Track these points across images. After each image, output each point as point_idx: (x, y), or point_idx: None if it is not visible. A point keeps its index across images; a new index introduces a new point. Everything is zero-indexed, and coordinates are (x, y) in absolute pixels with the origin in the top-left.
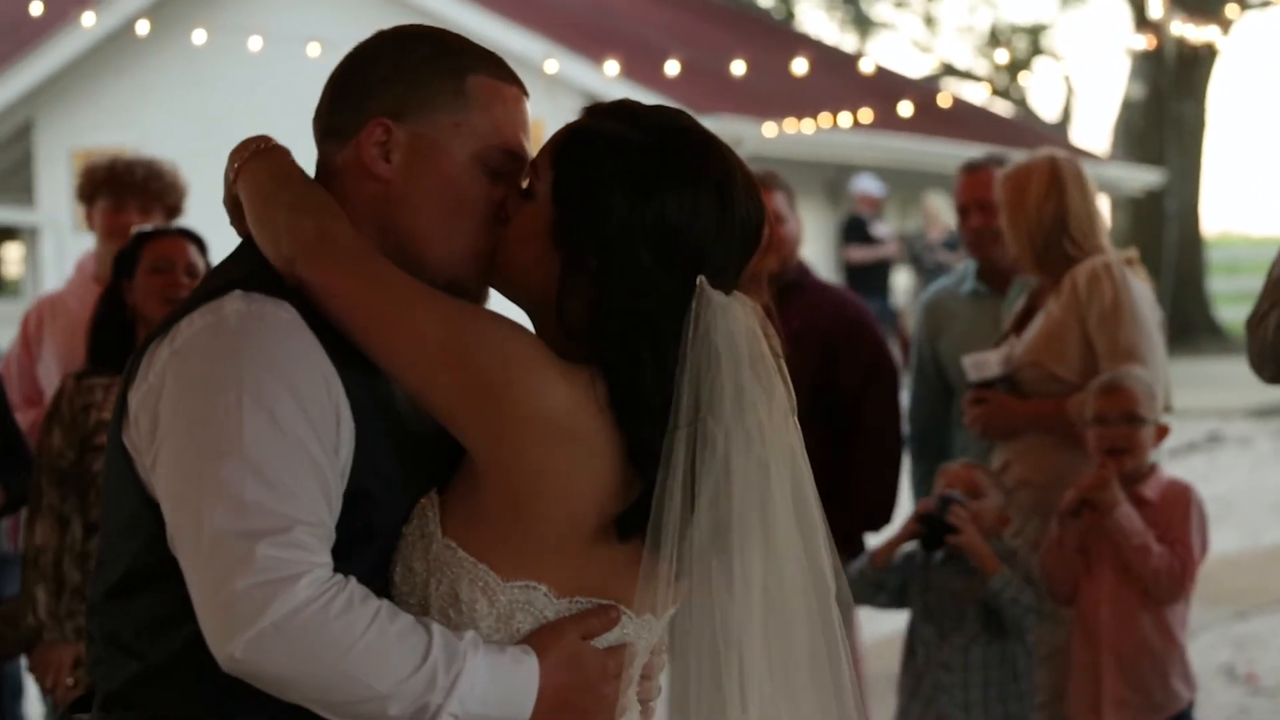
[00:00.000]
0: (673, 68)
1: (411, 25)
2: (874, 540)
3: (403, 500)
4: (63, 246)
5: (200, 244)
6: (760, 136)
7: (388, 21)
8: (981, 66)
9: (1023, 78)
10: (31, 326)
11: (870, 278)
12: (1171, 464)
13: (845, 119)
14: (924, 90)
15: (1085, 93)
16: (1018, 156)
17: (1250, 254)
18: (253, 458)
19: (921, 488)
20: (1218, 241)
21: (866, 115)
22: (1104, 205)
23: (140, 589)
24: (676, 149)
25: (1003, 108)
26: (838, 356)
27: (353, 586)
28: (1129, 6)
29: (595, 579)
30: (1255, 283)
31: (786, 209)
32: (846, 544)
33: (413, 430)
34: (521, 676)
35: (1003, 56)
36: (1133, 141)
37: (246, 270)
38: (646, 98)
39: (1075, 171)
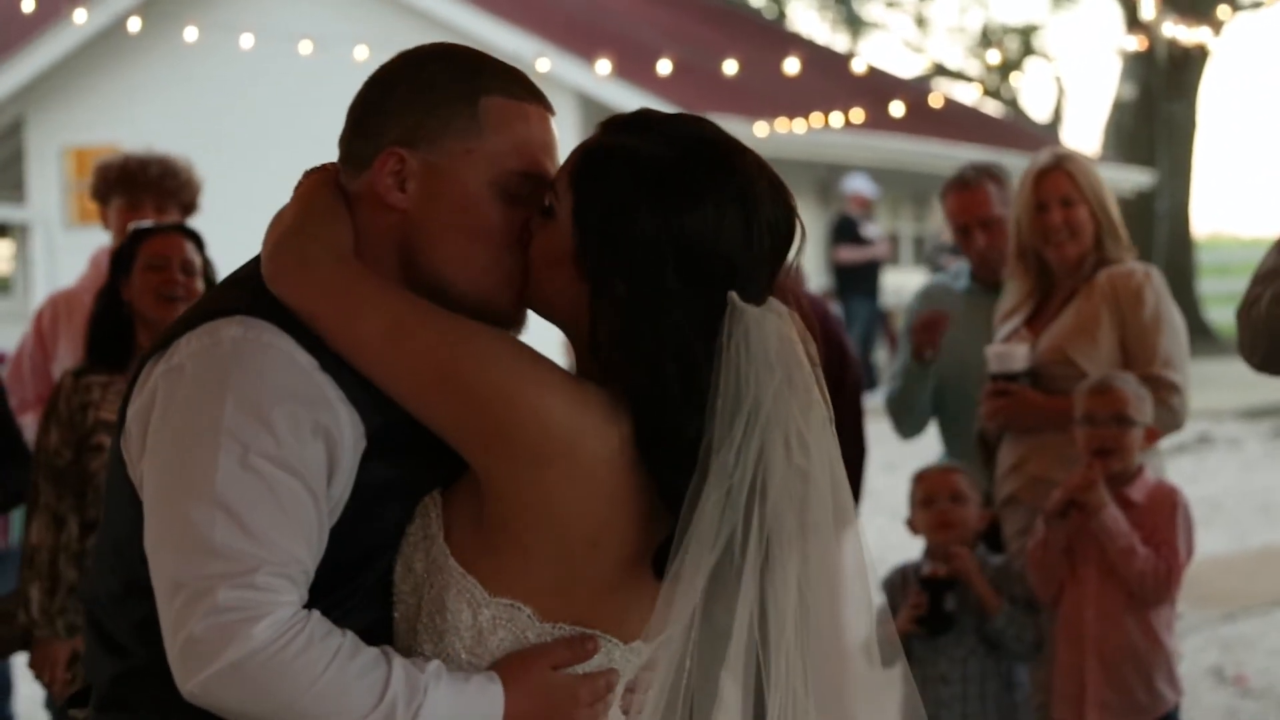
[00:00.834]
0: (665, 67)
1: (432, 46)
2: None
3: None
4: (53, 243)
5: (197, 240)
6: (752, 136)
7: (378, 20)
8: (973, 67)
9: (1014, 78)
10: (45, 323)
11: (860, 278)
12: (1155, 465)
13: (837, 119)
14: (915, 90)
15: (1076, 93)
16: (1009, 162)
17: (1240, 255)
18: (223, 497)
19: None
20: (1208, 243)
21: (858, 115)
22: None
23: (136, 594)
24: (696, 161)
25: (994, 108)
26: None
27: (313, 625)
28: (1120, 7)
29: (584, 607)
30: (1245, 284)
31: None
32: None
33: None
34: (485, 705)
35: (994, 57)
36: (1123, 142)
37: (253, 291)
38: (638, 97)
39: None
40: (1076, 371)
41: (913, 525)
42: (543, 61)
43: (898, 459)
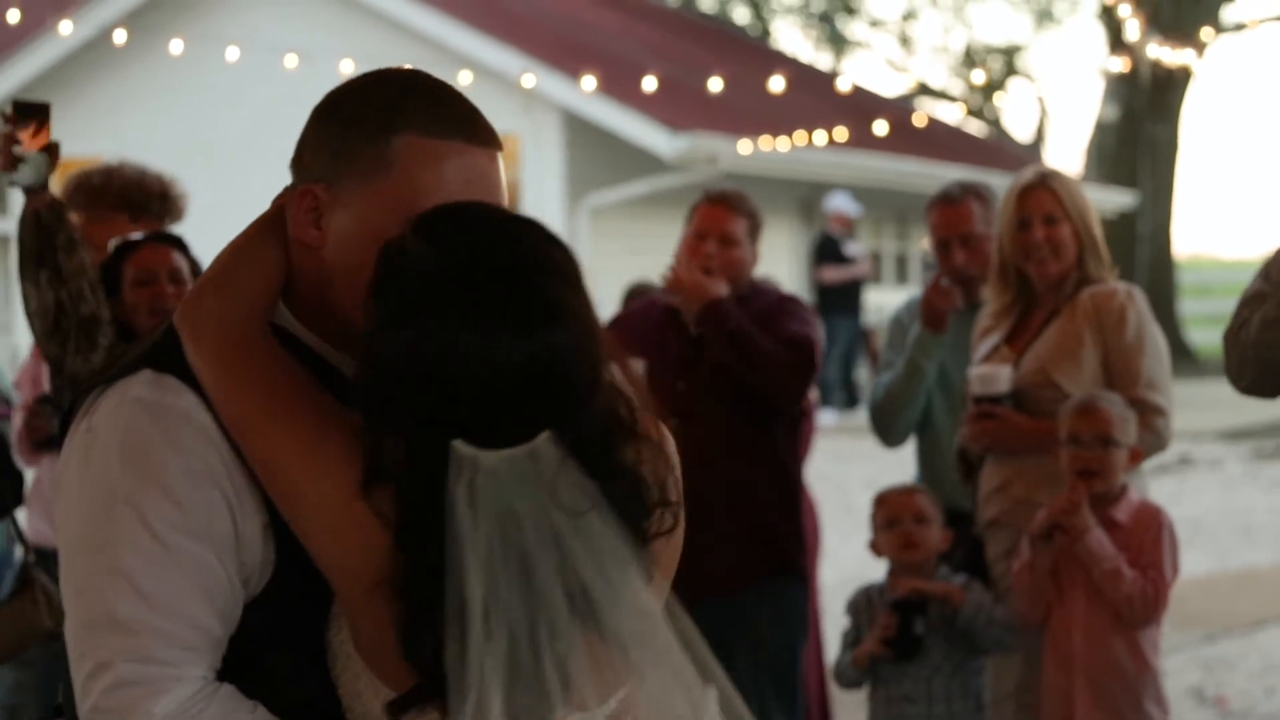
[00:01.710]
0: (650, 83)
1: (371, 73)
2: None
3: None
4: None
5: (182, 246)
6: (735, 153)
7: (365, 34)
8: (956, 86)
9: (997, 98)
10: None
11: (842, 297)
12: (1139, 485)
13: (820, 137)
14: (899, 110)
15: (1059, 114)
16: (992, 181)
17: (1221, 276)
18: (126, 567)
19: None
20: (1189, 264)
21: (841, 134)
22: None
23: None
24: (446, 291)
25: (977, 128)
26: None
27: (217, 703)
28: (1104, 29)
29: None
30: (1225, 305)
31: (744, 235)
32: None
33: None
34: None
35: (978, 77)
36: (1105, 163)
37: (165, 341)
38: (623, 114)
39: None
40: (1059, 393)
41: (876, 547)
42: (528, 78)
43: (880, 477)
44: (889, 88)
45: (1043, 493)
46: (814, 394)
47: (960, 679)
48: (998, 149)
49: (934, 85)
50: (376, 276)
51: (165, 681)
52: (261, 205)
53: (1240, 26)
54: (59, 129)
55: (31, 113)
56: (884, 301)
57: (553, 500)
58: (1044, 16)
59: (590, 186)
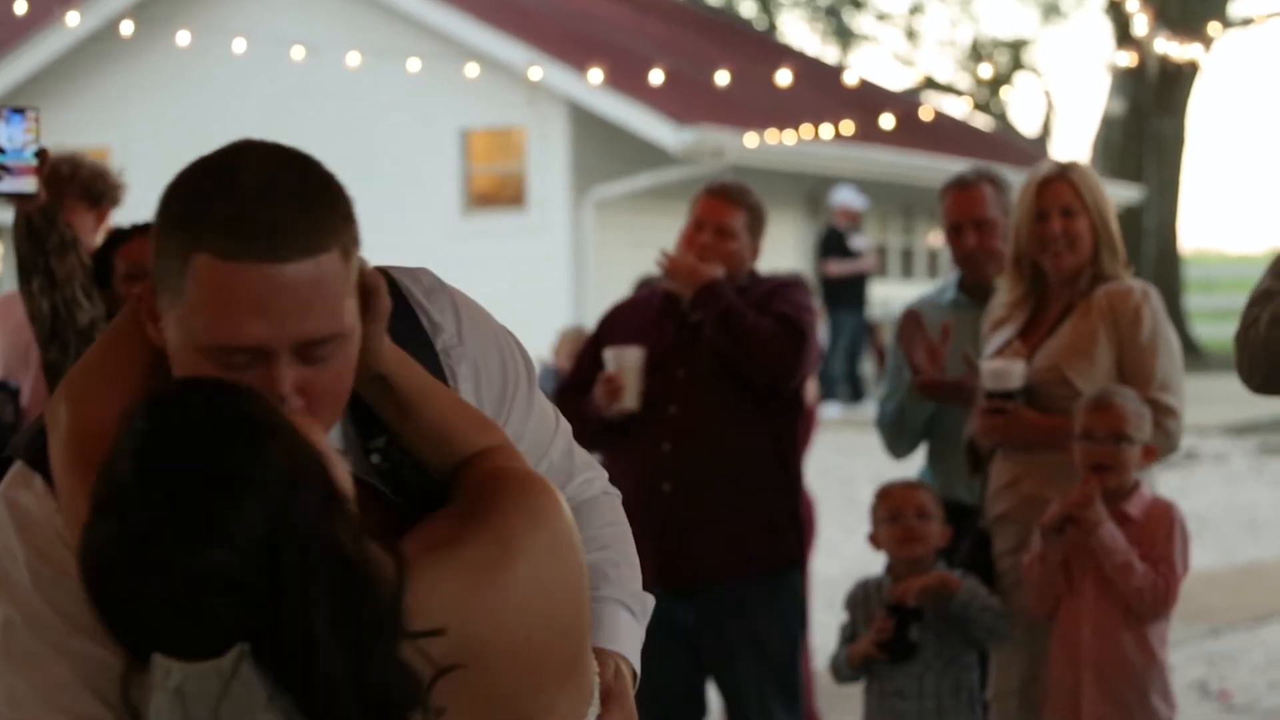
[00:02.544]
0: (657, 77)
1: (196, 167)
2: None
3: None
4: None
5: None
6: (741, 147)
7: (371, 26)
8: (963, 80)
9: (1004, 92)
10: None
11: (847, 291)
12: (1146, 480)
13: (826, 131)
14: (905, 103)
15: (1065, 108)
16: (1005, 172)
17: (1226, 271)
18: (4, 667)
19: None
20: (1194, 259)
21: (848, 127)
22: None
23: None
24: (131, 482)
25: (983, 122)
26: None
27: None
28: (1110, 23)
29: None
30: (1230, 300)
31: (743, 229)
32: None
33: None
34: None
35: (986, 71)
36: (1112, 157)
37: (40, 427)
38: (630, 106)
39: None
40: (1072, 390)
41: (875, 540)
42: (535, 70)
43: (885, 471)
44: (895, 81)
45: (1053, 489)
46: (815, 387)
47: (953, 675)
48: (1004, 143)
49: (940, 79)
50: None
51: None
52: None
53: (1247, 21)
54: (65, 121)
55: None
56: (890, 295)
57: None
58: (1050, 10)
59: (596, 179)
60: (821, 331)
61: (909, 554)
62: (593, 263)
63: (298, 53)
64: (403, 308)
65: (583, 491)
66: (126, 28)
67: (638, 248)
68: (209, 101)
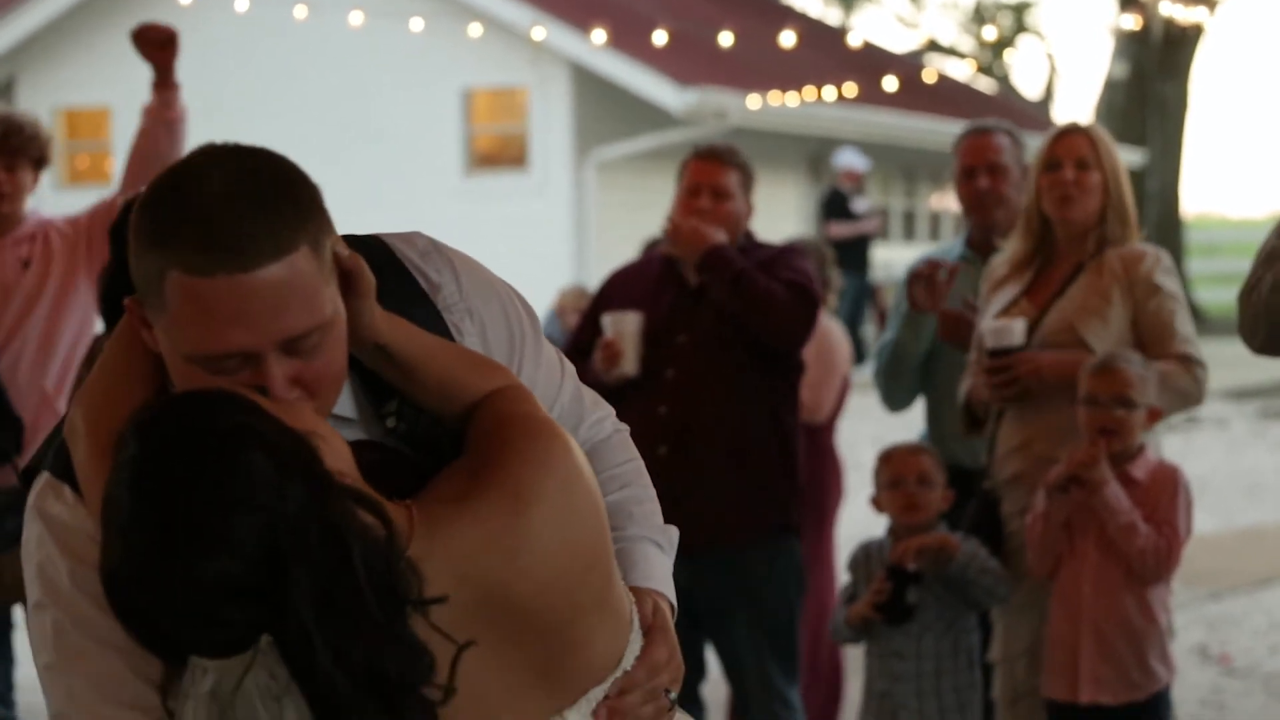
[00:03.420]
0: (660, 38)
1: (163, 181)
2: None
3: None
4: (44, 204)
5: None
6: (744, 108)
7: None
8: (966, 43)
9: (1007, 55)
10: None
11: (849, 253)
12: (1150, 444)
13: (829, 93)
14: (908, 66)
15: (1068, 71)
16: (1017, 128)
17: (1228, 236)
18: (55, 665)
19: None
20: (1196, 223)
21: (851, 89)
22: None
23: None
24: (135, 502)
25: (986, 85)
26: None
27: None
28: None
29: None
30: (1232, 264)
31: (737, 188)
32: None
33: None
34: None
35: (989, 33)
36: (1114, 121)
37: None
38: (633, 68)
39: None
40: (1085, 350)
41: (877, 504)
42: (538, 30)
43: (887, 434)
44: (899, 44)
45: (1065, 450)
46: (849, 350)
47: (952, 637)
48: (1007, 106)
49: (943, 42)
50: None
51: None
52: None
53: None
54: (67, 79)
55: None
56: (892, 258)
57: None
58: None
59: (598, 140)
60: (833, 298)
61: (910, 520)
62: (594, 224)
63: (300, 12)
64: (399, 272)
65: (596, 432)
66: None
67: (639, 209)
68: (211, 61)
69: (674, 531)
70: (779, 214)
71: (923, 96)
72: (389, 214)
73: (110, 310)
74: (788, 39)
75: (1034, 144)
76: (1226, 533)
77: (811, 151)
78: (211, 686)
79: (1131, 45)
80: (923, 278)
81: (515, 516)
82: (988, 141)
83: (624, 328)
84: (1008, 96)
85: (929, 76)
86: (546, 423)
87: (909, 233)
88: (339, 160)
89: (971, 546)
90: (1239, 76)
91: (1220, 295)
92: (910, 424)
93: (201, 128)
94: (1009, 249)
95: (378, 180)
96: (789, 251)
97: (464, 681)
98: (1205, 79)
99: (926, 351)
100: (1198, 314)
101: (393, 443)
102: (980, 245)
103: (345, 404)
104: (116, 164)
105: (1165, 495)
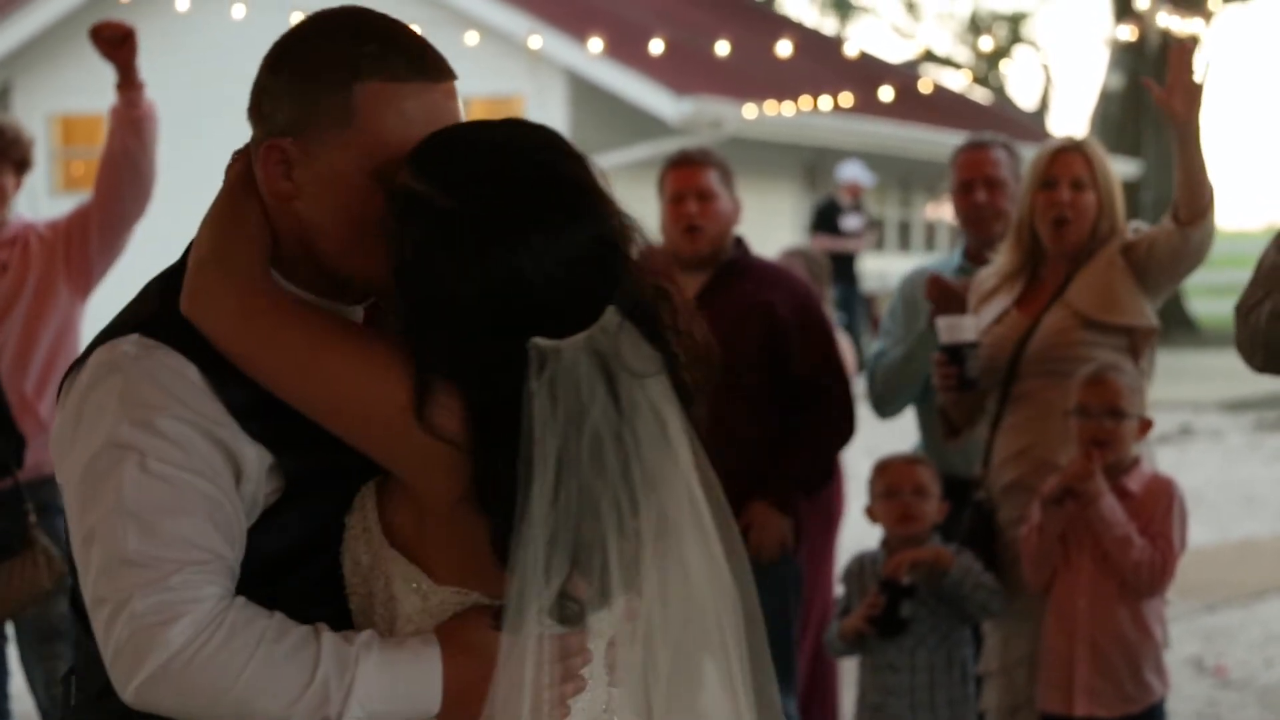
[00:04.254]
0: (656, 47)
1: (319, 17)
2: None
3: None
4: (38, 210)
5: None
6: (740, 118)
7: None
8: (962, 53)
9: (1002, 65)
10: None
11: (835, 266)
12: (1146, 456)
13: (825, 103)
14: (904, 76)
15: (1063, 82)
16: (1013, 142)
17: (1223, 247)
18: (130, 506)
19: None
20: None
21: (847, 99)
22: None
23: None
24: (494, 208)
25: (982, 95)
26: (788, 336)
27: (234, 614)
28: None
29: None
30: (1227, 276)
31: (719, 186)
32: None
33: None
34: (423, 669)
35: (985, 44)
36: (1110, 132)
37: (154, 309)
38: (629, 77)
39: None
40: (1089, 351)
41: (872, 514)
42: (534, 39)
43: (881, 445)
44: (895, 54)
45: (1064, 455)
46: (854, 360)
47: (945, 650)
48: (1002, 117)
49: (939, 52)
50: (398, 219)
51: (179, 607)
52: None
53: None
54: (63, 84)
55: None
56: (886, 269)
57: (622, 366)
58: None
59: (594, 149)
60: (833, 311)
61: (905, 531)
62: None
63: (297, 18)
64: None
65: None
66: None
67: (636, 218)
68: (208, 67)
69: None
70: (774, 224)
71: (918, 107)
72: None
73: None
74: (784, 49)
75: (1029, 155)
76: (1221, 545)
77: (807, 161)
78: (551, 374)
79: (1127, 56)
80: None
81: None
82: (985, 156)
83: None
84: (1003, 107)
85: (925, 87)
86: None
87: (904, 243)
88: None
89: (966, 560)
90: (1234, 88)
91: (1215, 307)
92: (904, 435)
93: (202, 130)
94: (998, 261)
95: None
96: (816, 318)
97: None
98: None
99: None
100: (1193, 326)
101: None
102: (978, 258)
103: None
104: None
105: (1160, 508)
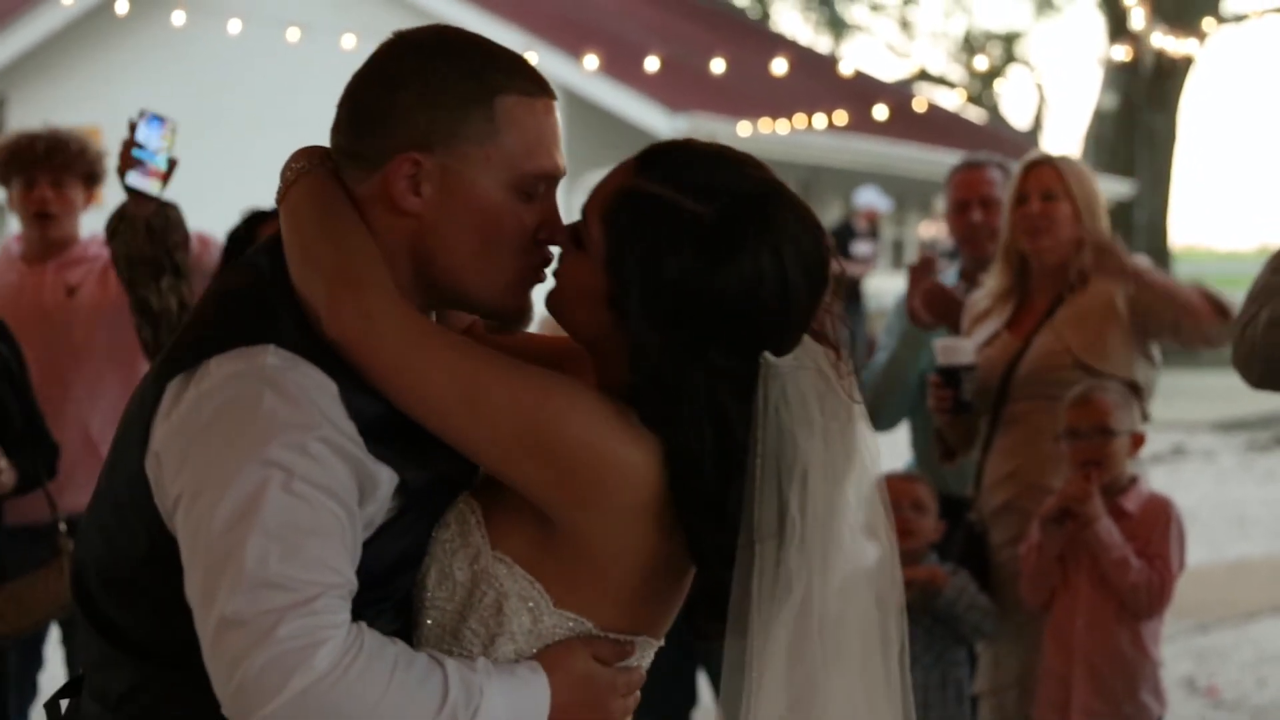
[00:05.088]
0: (651, 64)
1: (430, 36)
2: None
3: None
4: None
5: None
6: (734, 135)
7: (367, 8)
8: (956, 72)
9: (996, 85)
10: None
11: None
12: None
13: (820, 120)
14: (899, 94)
15: (1057, 102)
16: (1008, 162)
17: (1215, 268)
18: (274, 526)
19: None
20: (1183, 254)
21: (841, 118)
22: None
23: (148, 595)
24: (735, 218)
25: (975, 114)
26: None
27: (368, 642)
28: (1104, 17)
29: (638, 618)
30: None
31: None
32: None
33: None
34: (533, 695)
35: (979, 63)
36: (1103, 152)
37: (285, 324)
38: (625, 94)
39: None
40: (1080, 374)
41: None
42: (530, 57)
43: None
44: (889, 72)
45: (1055, 478)
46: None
47: (940, 670)
48: (996, 136)
49: (934, 71)
50: (631, 222)
51: (323, 632)
52: (260, 176)
53: (1241, 17)
54: (57, 97)
55: (161, 123)
56: (880, 288)
57: (834, 391)
58: (1044, 4)
59: (589, 166)
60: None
61: (901, 546)
62: None
63: (293, 34)
64: None
65: None
66: (121, 6)
67: None
68: (203, 82)
69: None
70: None
71: (913, 125)
72: None
73: None
74: (779, 67)
75: None
76: (1214, 565)
77: (802, 179)
78: (779, 386)
79: (1120, 76)
80: (920, 274)
81: None
82: (980, 176)
83: None
84: (997, 126)
85: (919, 105)
86: None
87: (898, 261)
88: None
89: (961, 580)
90: (1227, 109)
91: None
92: (898, 453)
93: (197, 144)
94: (989, 283)
95: None
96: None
97: None
98: (1194, 111)
99: (920, 376)
100: None
101: None
102: (974, 277)
103: None
104: (107, 183)
105: (1158, 529)
